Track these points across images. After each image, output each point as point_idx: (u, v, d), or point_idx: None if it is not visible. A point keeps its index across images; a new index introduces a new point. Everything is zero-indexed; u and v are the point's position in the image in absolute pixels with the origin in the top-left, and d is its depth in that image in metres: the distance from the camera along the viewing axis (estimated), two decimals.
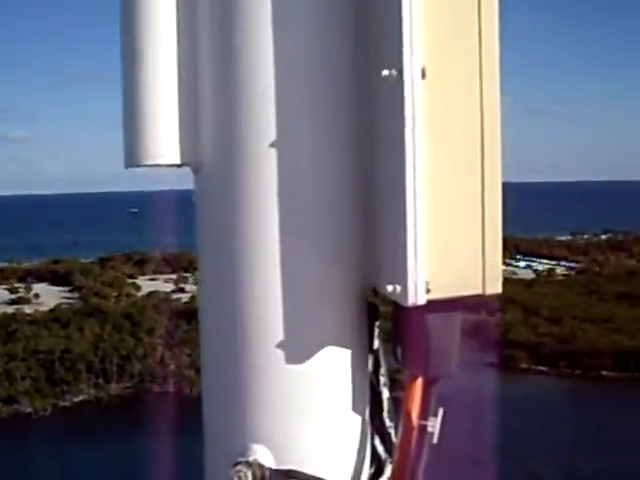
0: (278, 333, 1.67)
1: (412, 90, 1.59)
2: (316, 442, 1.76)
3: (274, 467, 1.70)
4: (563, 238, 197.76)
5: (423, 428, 1.81)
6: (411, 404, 1.80)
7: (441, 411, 1.84)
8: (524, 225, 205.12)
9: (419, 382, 1.81)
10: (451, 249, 1.67)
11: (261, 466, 1.68)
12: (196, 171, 1.83)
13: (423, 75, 1.61)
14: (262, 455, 1.70)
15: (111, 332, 52.98)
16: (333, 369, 1.75)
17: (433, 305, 1.67)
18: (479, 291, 1.74)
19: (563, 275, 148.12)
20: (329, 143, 1.74)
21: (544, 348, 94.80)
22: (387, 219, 1.68)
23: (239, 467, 1.66)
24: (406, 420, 1.82)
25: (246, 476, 1.64)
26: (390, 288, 1.63)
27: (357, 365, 1.80)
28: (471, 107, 1.72)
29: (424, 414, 1.82)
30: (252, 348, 1.70)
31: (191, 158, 1.77)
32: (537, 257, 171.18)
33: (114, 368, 50.27)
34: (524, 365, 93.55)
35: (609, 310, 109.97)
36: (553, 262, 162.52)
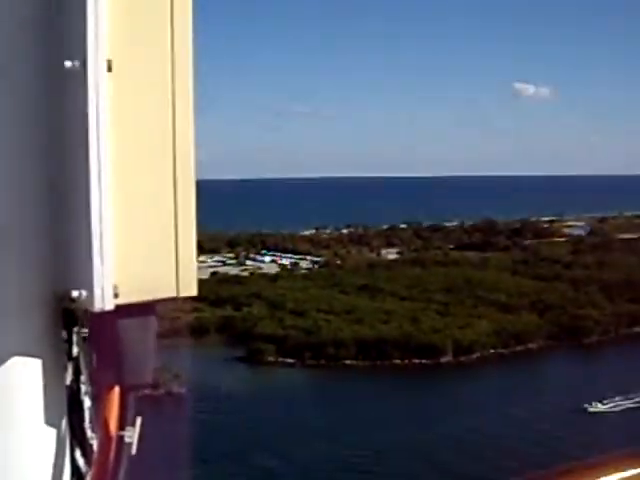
0: None
1: (96, 83, 1.51)
2: (6, 460, 1.60)
3: None
4: (307, 232, 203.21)
5: (121, 438, 1.72)
6: (108, 414, 1.69)
7: (139, 420, 1.74)
8: (270, 221, 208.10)
9: (116, 390, 1.70)
10: (141, 252, 1.60)
11: None
12: None
13: (109, 68, 1.53)
14: None
15: None
16: (22, 380, 1.59)
17: (124, 310, 1.61)
18: (173, 294, 1.68)
19: (307, 269, 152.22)
20: (13, 141, 1.58)
21: (290, 340, 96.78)
22: (74, 221, 1.57)
23: None
24: (103, 430, 1.71)
25: None
26: (76, 294, 1.55)
27: (51, 374, 1.65)
28: (162, 104, 1.65)
29: (122, 424, 1.73)
30: None
31: None
32: (282, 252, 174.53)
33: None
34: (271, 358, 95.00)
35: (351, 302, 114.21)
36: (297, 256, 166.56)
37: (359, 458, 65.56)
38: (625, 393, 78.81)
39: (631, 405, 76.87)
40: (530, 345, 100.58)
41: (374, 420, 73.78)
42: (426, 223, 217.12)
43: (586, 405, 76.12)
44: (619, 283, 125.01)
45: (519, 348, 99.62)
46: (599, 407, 75.94)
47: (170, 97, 1.65)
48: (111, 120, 1.54)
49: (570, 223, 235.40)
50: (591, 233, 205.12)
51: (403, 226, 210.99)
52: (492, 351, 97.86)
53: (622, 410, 75.73)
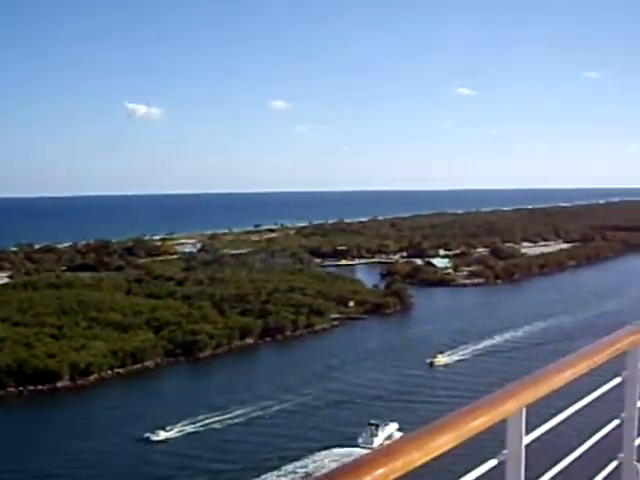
0: None
1: None
2: None
3: None
4: None
5: None
6: None
7: None
8: None
9: None
10: None
11: None
12: None
13: None
14: None
15: None
16: None
17: None
18: None
19: None
20: None
21: None
22: None
23: None
24: None
25: None
26: None
27: None
28: None
29: None
30: None
31: None
32: None
33: None
34: None
35: None
36: None
37: None
38: (200, 414, 80.00)
39: (191, 429, 77.33)
40: (147, 363, 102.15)
41: None
42: (38, 245, 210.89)
43: (148, 434, 75.54)
44: (230, 297, 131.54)
45: (136, 367, 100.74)
46: (161, 435, 75.75)
47: None
48: None
49: (182, 241, 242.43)
50: (202, 250, 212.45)
51: (14, 249, 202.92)
52: (109, 372, 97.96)
53: (186, 434, 76.45)
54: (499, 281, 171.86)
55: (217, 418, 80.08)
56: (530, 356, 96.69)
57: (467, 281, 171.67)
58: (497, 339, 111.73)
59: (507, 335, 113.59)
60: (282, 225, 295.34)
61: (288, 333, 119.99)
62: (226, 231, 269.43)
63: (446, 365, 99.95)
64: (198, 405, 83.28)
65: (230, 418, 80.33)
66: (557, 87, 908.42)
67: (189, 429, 77.89)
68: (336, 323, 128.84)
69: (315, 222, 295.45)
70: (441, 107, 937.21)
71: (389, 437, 73.73)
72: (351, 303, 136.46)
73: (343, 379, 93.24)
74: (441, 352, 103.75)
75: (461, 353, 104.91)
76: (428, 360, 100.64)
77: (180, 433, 76.92)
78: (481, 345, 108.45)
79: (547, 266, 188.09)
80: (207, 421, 79.43)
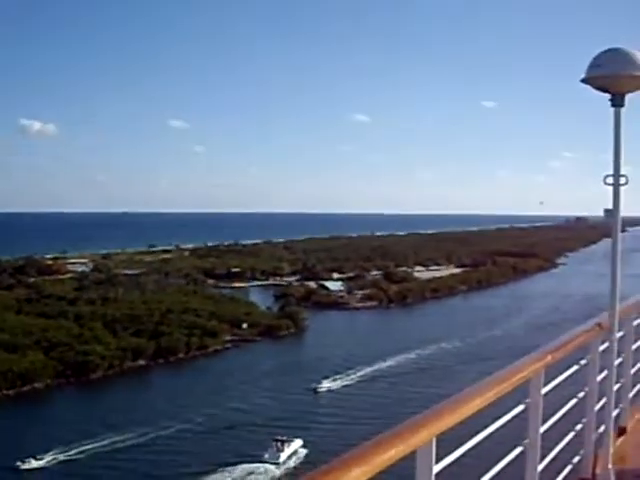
0: None
1: None
2: None
3: None
4: None
5: None
6: None
7: None
8: None
9: None
10: None
11: None
12: None
13: None
14: None
15: None
16: None
17: None
18: None
19: None
20: None
21: None
22: None
23: None
24: None
25: None
26: None
27: None
28: None
29: None
30: None
31: None
32: None
33: None
34: None
35: None
36: None
37: None
38: (81, 440, 77.20)
39: (64, 457, 74.63)
40: (36, 384, 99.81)
41: None
42: None
43: (18, 463, 71.89)
44: (123, 318, 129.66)
45: (26, 388, 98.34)
46: (33, 463, 72.45)
47: None
48: None
49: (74, 260, 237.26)
50: (95, 269, 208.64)
51: None
52: None
53: (59, 463, 73.50)
54: (392, 305, 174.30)
55: (99, 444, 77.63)
56: (417, 380, 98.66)
57: (360, 304, 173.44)
58: (387, 363, 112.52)
59: (397, 359, 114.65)
60: (177, 246, 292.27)
61: (181, 355, 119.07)
62: (119, 251, 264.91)
63: (330, 390, 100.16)
64: (80, 430, 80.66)
65: (113, 443, 78.11)
66: (453, 114, 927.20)
67: (63, 457, 74.86)
68: (229, 345, 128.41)
69: (210, 243, 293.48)
70: (341, 132, 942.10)
71: (294, 452, 74.95)
72: (245, 325, 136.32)
73: (226, 405, 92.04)
74: (326, 377, 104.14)
75: (347, 378, 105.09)
76: (313, 385, 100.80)
77: (54, 461, 74.01)
78: (369, 369, 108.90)
79: (439, 290, 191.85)
80: (87, 447, 76.73)
